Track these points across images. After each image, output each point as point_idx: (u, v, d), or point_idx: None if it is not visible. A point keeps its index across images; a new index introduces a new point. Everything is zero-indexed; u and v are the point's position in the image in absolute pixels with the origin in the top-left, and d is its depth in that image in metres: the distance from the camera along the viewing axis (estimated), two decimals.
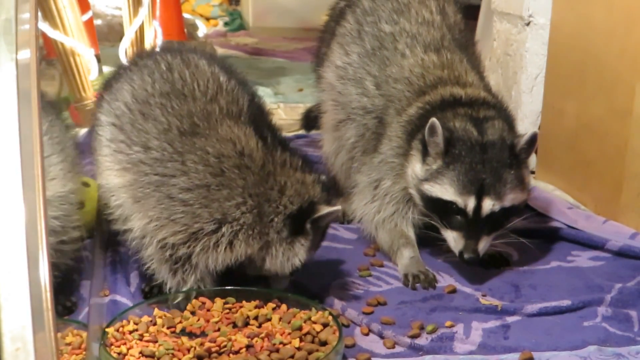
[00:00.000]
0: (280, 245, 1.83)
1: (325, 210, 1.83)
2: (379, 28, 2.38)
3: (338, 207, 1.87)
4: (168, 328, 1.72)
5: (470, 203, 2.01)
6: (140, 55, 2.04)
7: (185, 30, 4.89)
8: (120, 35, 3.49)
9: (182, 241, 1.80)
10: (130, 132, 1.85)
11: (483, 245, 2.04)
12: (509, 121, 2.17)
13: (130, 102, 1.89)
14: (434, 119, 2.04)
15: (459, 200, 2.02)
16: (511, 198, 2.04)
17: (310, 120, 3.21)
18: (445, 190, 2.04)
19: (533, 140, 2.06)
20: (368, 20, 2.41)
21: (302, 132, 3.44)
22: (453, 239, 2.05)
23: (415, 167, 2.11)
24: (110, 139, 1.89)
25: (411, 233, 2.23)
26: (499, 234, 2.10)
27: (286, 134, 3.48)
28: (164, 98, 1.86)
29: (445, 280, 2.12)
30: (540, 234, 2.43)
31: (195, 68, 1.91)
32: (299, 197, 1.83)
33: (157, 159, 1.81)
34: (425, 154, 2.08)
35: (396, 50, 2.33)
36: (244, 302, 1.82)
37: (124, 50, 3.48)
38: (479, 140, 2.05)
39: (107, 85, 2.02)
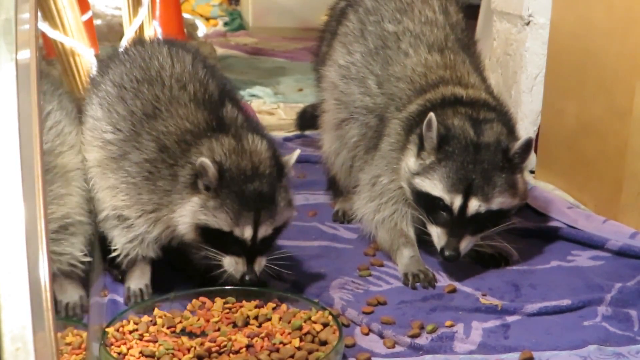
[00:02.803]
0: (179, 202, 1.81)
1: (203, 163, 1.73)
2: (382, 27, 2.38)
3: (206, 162, 1.73)
4: (168, 328, 1.72)
5: (457, 201, 2.02)
6: (135, 42, 2.11)
7: (185, 30, 4.89)
8: (120, 35, 3.49)
9: (126, 205, 1.86)
10: (107, 112, 1.95)
11: (465, 244, 2.05)
12: (508, 125, 2.17)
13: (112, 84, 1.97)
14: (431, 114, 2.05)
15: (446, 197, 2.03)
16: (499, 201, 2.04)
17: (305, 120, 3.21)
18: (434, 186, 2.05)
19: (528, 145, 2.06)
20: (371, 19, 2.41)
21: (299, 132, 3.44)
22: (437, 234, 2.07)
23: (410, 161, 2.12)
24: (92, 115, 1.99)
25: (411, 232, 2.23)
26: (485, 236, 2.10)
27: (285, 133, 3.50)
28: (137, 83, 1.94)
29: (446, 279, 2.12)
30: (540, 234, 2.43)
31: (178, 58, 1.97)
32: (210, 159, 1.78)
33: (121, 139, 1.90)
34: (421, 148, 2.09)
35: (399, 49, 2.33)
36: (244, 302, 1.82)
37: None
38: (474, 140, 2.05)
39: (102, 64, 2.11)
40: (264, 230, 1.79)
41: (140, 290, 1.92)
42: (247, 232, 1.77)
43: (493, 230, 2.10)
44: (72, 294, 1.85)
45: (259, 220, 1.78)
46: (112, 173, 1.90)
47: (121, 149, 1.89)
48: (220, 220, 1.76)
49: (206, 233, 1.79)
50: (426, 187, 2.07)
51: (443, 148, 2.05)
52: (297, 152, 1.90)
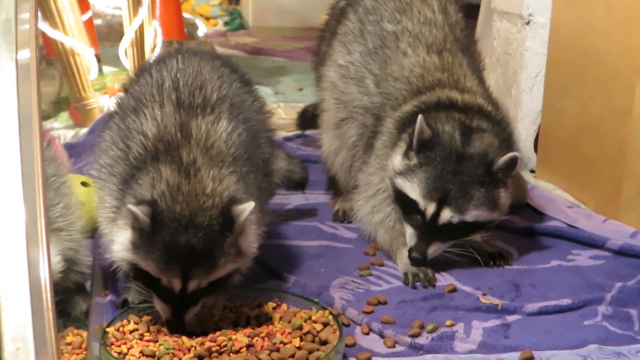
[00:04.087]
0: (119, 226, 1.70)
1: (133, 212, 1.59)
2: (381, 27, 2.38)
3: (136, 211, 1.58)
4: None
5: (430, 208, 2.04)
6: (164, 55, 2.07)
7: (185, 29, 4.89)
8: (120, 35, 3.49)
9: (103, 219, 1.79)
10: (114, 119, 1.89)
11: (433, 250, 2.07)
12: (502, 134, 2.15)
13: (131, 91, 1.92)
14: (421, 116, 2.05)
15: (421, 202, 2.05)
16: (474, 214, 2.05)
17: (306, 119, 3.21)
18: (412, 189, 2.06)
19: (512, 162, 2.04)
20: (370, 19, 2.41)
21: (299, 131, 3.44)
22: (409, 235, 2.10)
23: (396, 159, 2.12)
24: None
25: None
26: (459, 242, 2.11)
27: (286, 133, 3.50)
28: (141, 87, 1.88)
29: (446, 279, 2.12)
30: (540, 233, 2.43)
31: (188, 64, 1.91)
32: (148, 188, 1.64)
33: (110, 135, 1.85)
34: (409, 148, 2.09)
35: (398, 49, 2.33)
36: (244, 301, 1.82)
37: (124, 50, 3.48)
38: (458, 150, 2.05)
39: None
40: (196, 285, 1.62)
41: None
42: (175, 284, 1.61)
43: (468, 239, 2.12)
44: (82, 305, 1.84)
45: (190, 275, 1.60)
46: (100, 172, 1.84)
47: (109, 146, 1.83)
48: (147, 265, 1.61)
49: (137, 270, 1.65)
50: (405, 188, 2.08)
51: (425, 152, 2.06)
52: (252, 205, 1.63)
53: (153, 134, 1.73)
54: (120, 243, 1.66)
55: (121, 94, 1.96)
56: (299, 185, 2.60)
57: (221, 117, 1.79)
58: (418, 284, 2.07)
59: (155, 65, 1.95)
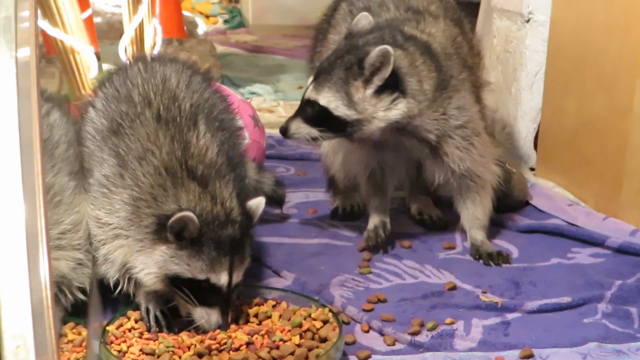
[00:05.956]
0: (141, 248, 1.72)
1: (186, 217, 1.65)
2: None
3: (190, 216, 1.64)
4: None
5: (309, 81, 2.13)
6: (119, 68, 2.03)
7: (185, 27, 4.89)
8: (119, 33, 3.49)
9: (99, 238, 1.77)
10: (86, 130, 1.91)
11: (296, 126, 2.09)
12: (425, 58, 2.11)
13: (99, 107, 1.92)
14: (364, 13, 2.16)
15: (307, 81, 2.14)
16: (326, 97, 2.05)
17: None
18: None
19: (385, 56, 1.98)
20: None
21: None
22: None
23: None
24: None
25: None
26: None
27: None
28: (108, 102, 1.88)
29: (446, 277, 2.12)
30: (540, 231, 2.43)
31: (151, 73, 1.90)
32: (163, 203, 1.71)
33: (87, 153, 1.86)
34: None
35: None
36: (243, 299, 1.82)
37: (124, 48, 3.48)
38: (356, 41, 2.09)
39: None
40: (237, 277, 1.72)
41: (154, 314, 1.75)
42: (223, 279, 1.69)
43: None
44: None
45: (233, 266, 1.70)
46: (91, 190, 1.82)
47: (87, 162, 1.84)
48: (194, 269, 1.67)
49: (176, 283, 1.69)
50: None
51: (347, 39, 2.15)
52: (263, 201, 1.81)
53: (150, 153, 1.74)
54: (154, 263, 1.69)
55: (90, 109, 1.94)
56: (273, 200, 2.45)
57: (205, 131, 1.82)
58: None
59: (118, 78, 1.93)
